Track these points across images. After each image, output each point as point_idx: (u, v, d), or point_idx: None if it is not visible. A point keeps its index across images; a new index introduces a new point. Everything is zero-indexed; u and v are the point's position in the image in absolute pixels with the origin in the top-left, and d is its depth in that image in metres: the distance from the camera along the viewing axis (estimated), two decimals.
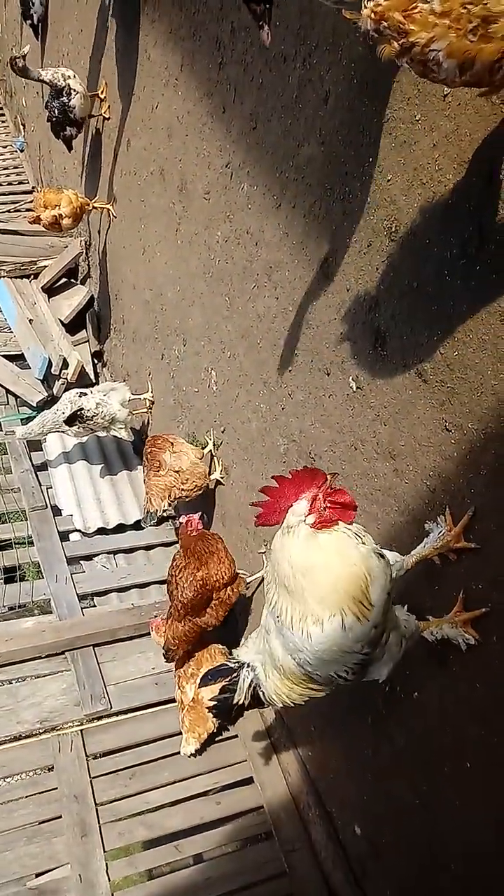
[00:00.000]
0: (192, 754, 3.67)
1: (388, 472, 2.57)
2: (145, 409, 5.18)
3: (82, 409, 4.70)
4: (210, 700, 2.45)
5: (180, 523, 3.57)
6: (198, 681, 3.51)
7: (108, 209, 5.29)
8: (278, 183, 3.04)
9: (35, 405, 5.59)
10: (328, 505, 1.89)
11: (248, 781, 3.67)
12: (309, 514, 1.88)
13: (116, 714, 3.83)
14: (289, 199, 2.97)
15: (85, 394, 4.78)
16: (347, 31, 2.42)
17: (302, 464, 3.19)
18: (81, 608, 4.27)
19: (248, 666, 2.30)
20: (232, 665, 2.35)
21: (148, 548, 4.90)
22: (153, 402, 5.14)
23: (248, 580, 3.73)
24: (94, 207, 5.29)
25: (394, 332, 2.42)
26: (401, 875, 2.98)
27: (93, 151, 5.66)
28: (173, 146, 4.11)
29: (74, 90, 4.75)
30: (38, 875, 3.29)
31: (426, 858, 2.73)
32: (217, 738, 3.79)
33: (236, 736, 3.86)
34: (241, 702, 2.32)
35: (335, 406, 2.86)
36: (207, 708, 2.56)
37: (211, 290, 3.91)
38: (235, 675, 2.33)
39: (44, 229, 5.30)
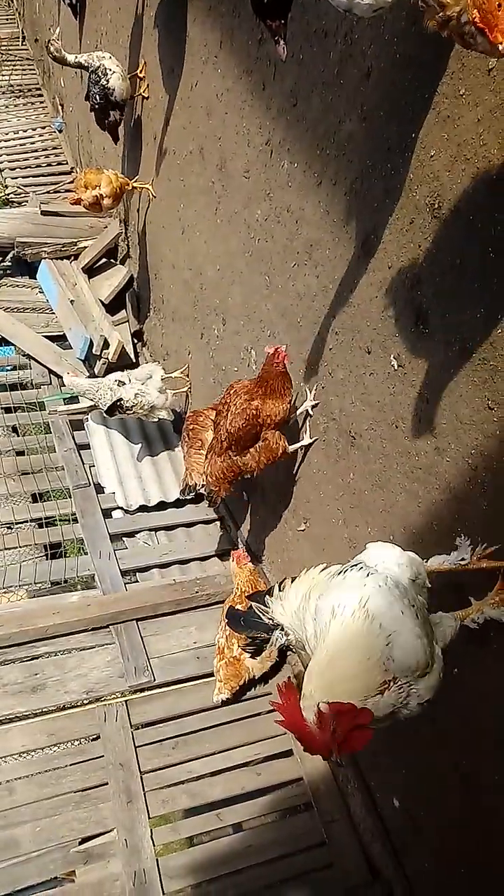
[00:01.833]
0: (223, 702, 3.87)
1: (430, 450, 2.58)
2: (185, 387, 5.24)
3: (121, 399, 4.82)
4: (244, 644, 2.45)
5: (268, 353, 3.33)
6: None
7: (148, 188, 5.31)
8: (319, 160, 3.03)
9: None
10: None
11: (289, 753, 3.74)
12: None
13: (159, 686, 3.93)
14: (330, 177, 2.96)
15: (123, 382, 4.86)
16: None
17: (342, 443, 3.20)
18: (124, 583, 4.37)
19: (282, 629, 2.24)
20: (266, 621, 2.28)
21: (188, 525, 4.97)
22: (189, 383, 5.20)
23: (299, 411, 3.55)
24: (133, 187, 5.31)
25: (436, 310, 2.41)
26: (440, 850, 3.02)
27: (132, 131, 5.68)
28: (212, 124, 4.10)
29: (111, 69, 4.75)
30: (85, 840, 3.42)
31: (467, 835, 2.77)
32: (249, 696, 3.97)
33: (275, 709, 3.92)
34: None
35: (376, 384, 2.86)
36: (241, 647, 2.54)
37: (251, 269, 3.91)
38: (268, 633, 2.28)
39: (84, 210, 5.35)
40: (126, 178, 5.25)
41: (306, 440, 3.49)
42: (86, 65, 4.78)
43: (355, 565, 2.10)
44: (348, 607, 1.94)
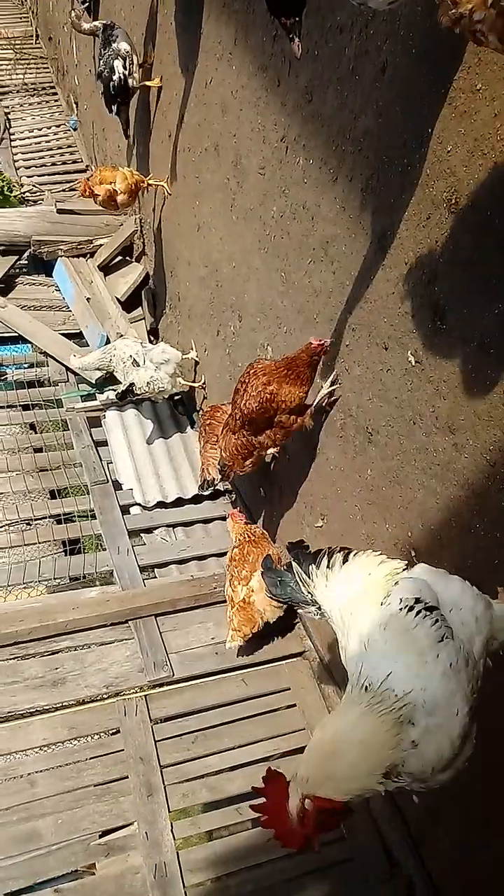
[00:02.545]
0: (237, 648, 3.97)
1: (448, 447, 2.58)
2: (199, 385, 5.30)
3: (133, 385, 4.91)
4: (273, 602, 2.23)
5: (312, 342, 3.21)
6: (265, 589, 2.91)
7: (164, 186, 5.32)
8: (335, 156, 3.03)
9: (94, 382, 5.72)
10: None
11: None
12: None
13: (178, 681, 3.95)
14: (345, 173, 2.96)
15: (138, 364, 4.91)
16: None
17: (359, 439, 3.21)
18: (143, 579, 4.40)
19: (319, 608, 2.05)
20: (304, 595, 2.08)
21: (206, 521, 5.00)
22: (204, 382, 5.23)
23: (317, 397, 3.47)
24: (149, 185, 5.33)
25: (453, 306, 2.40)
26: (461, 842, 3.03)
27: (146, 129, 5.69)
28: (227, 121, 4.11)
29: (116, 35, 4.82)
30: (106, 832, 3.45)
31: (489, 826, 2.77)
32: (268, 691, 4.01)
33: (295, 705, 3.95)
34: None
35: (393, 381, 2.86)
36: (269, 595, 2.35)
37: (266, 266, 3.92)
38: (304, 605, 2.09)
39: (100, 208, 5.38)
40: (141, 176, 5.27)
41: (326, 389, 3.35)
42: (94, 30, 4.94)
43: (428, 610, 1.70)
44: (396, 689, 1.62)
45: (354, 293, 3.05)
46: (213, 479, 4.16)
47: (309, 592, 2.00)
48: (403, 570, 1.90)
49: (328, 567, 2.00)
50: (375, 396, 3.02)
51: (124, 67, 4.81)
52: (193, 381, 5.37)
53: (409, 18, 2.39)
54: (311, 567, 2.03)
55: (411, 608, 1.71)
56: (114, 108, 5.04)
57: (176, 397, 5.61)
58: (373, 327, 2.93)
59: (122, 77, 4.82)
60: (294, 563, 2.05)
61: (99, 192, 5.02)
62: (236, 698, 3.92)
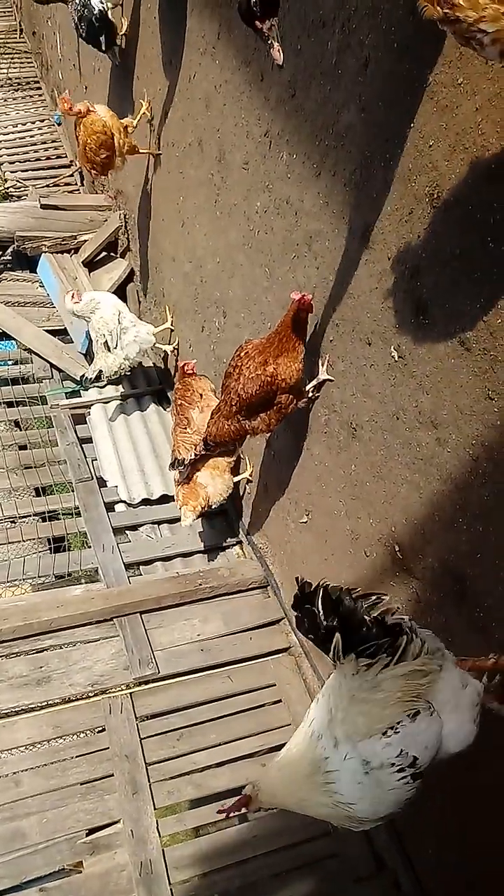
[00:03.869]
0: (190, 524, 4.22)
1: (431, 441, 2.58)
2: (171, 349, 5.42)
3: (101, 371, 5.06)
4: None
5: (293, 298, 3.01)
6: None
7: (151, 153, 5.12)
8: (318, 151, 3.02)
9: (78, 379, 5.69)
10: None
11: None
12: None
13: (164, 678, 3.94)
14: (329, 167, 2.96)
15: (109, 349, 5.00)
16: None
17: (343, 434, 3.21)
18: (128, 577, 4.38)
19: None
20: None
21: None
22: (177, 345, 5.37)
23: (308, 387, 3.38)
24: (138, 151, 5.04)
25: (436, 301, 2.41)
26: (445, 839, 3.04)
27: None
28: (211, 116, 4.09)
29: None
30: (92, 830, 3.44)
31: (473, 823, 2.79)
32: (253, 687, 4.01)
33: (280, 700, 3.95)
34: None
35: (376, 376, 2.86)
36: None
37: (251, 261, 3.91)
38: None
39: (83, 204, 5.25)
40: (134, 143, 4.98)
41: (322, 376, 3.27)
42: None
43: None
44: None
45: (338, 289, 3.05)
46: (184, 458, 4.17)
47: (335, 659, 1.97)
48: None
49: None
50: (359, 392, 3.01)
51: (100, 1, 4.78)
52: (167, 344, 5.43)
53: (391, 13, 2.39)
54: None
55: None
56: (102, 42, 4.93)
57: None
58: (356, 322, 2.93)
59: (101, 9, 4.77)
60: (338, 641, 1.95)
61: (80, 108, 4.68)
62: (222, 695, 3.91)
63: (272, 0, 2.06)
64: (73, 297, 5.05)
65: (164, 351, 5.50)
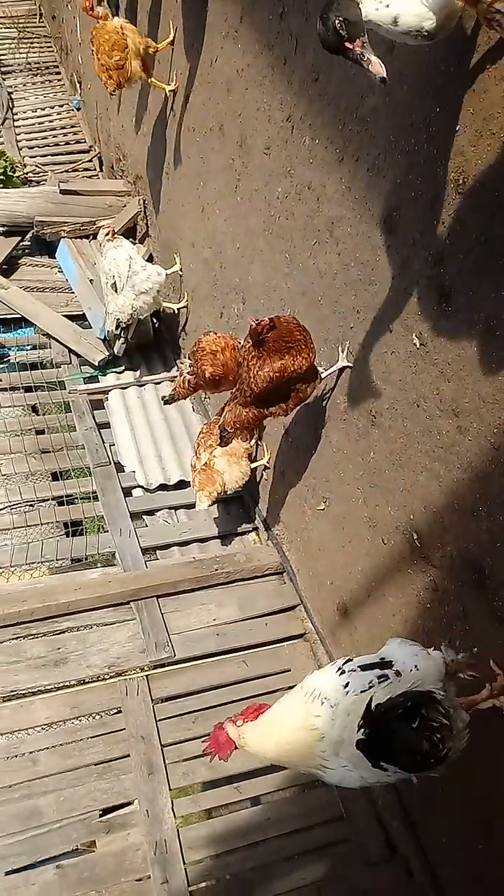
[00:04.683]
0: (205, 509, 4.28)
1: (451, 429, 2.57)
2: (183, 304, 5.51)
3: (119, 319, 5.21)
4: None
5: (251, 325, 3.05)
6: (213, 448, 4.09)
7: (166, 86, 4.95)
8: (341, 136, 3.00)
9: (97, 364, 5.71)
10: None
11: None
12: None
13: (179, 662, 3.97)
14: (352, 153, 2.94)
15: (117, 290, 5.07)
16: None
17: (362, 422, 3.20)
18: (145, 561, 4.41)
19: None
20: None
21: None
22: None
23: (325, 374, 3.40)
24: (153, 83, 4.93)
25: (459, 288, 2.39)
26: (458, 826, 3.05)
27: (150, 108, 5.64)
28: (232, 101, 4.07)
29: None
30: (107, 810, 3.49)
31: (485, 811, 2.79)
32: (266, 673, 3.95)
33: (295, 686, 3.96)
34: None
35: (397, 363, 2.85)
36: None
37: (271, 247, 3.90)
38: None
39: (105, 189, 5.24)
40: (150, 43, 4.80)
41: (342, 363, 3.25)
42: None
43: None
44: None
45: (359, 275, 3.03)
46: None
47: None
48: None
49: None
50: (379, 379, 3.01)
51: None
52: (179, 302, 5.50)
53: None
54: None
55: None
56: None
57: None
58: (377, 309, 2.92)
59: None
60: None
61: (101, 10, 4.59)
62: (237, 679, 3.94)
63: (354, 20, 1.78)
64: (107, 233, 5.18)
65: (173, 310, 5.63)
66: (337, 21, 1.75)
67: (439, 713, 2.03)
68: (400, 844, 3.46)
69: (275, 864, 3.42)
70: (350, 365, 3.21)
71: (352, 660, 2.38)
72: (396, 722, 2.01)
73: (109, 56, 4.61)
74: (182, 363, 4.39)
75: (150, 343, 5.93)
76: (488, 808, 2.79)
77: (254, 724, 2.50)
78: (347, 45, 1.77)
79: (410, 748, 2.00)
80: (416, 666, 2.24)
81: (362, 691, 2.22)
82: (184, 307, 5.53)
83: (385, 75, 1.78)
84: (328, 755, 2.29)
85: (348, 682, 2.28)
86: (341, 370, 3.28)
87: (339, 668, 2.35)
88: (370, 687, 2.22)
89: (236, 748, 2.51)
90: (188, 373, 4.17)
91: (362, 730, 2.09)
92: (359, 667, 2.32)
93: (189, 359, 4.17)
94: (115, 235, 5.20)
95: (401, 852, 3.45)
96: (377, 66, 1.77)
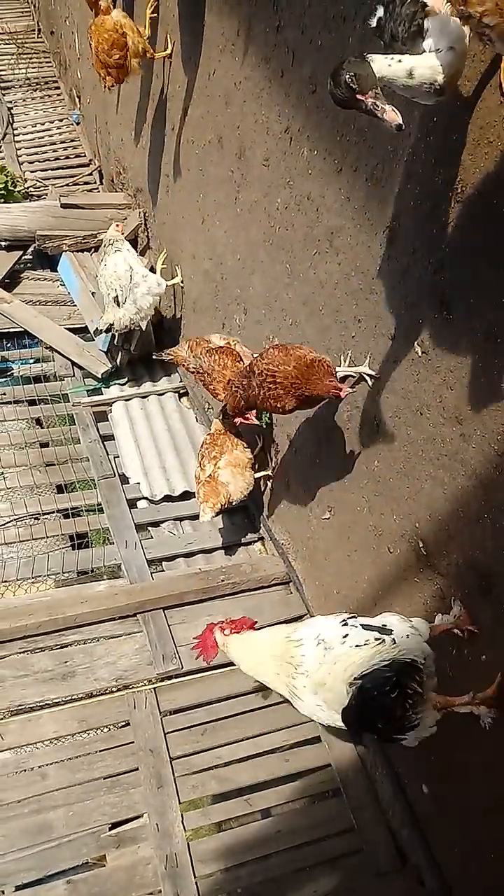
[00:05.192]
0: (209, 521, 4.30)
1: (455, 437, 2.57)
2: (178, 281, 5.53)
3: (112, 324, 5.21)
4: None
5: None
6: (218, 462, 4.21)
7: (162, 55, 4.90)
8: (339, 146, 3.02)
9: (100, 376, 5.72)
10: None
11: (316, 740, 3.77)
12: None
13: (187, 674, 3.96)
14: (350, 163, 2.95)
15: (119, 304, 5.11)
16: None
17: (366, 431, 3.20)
18: (151, 573, 4.41)
19: None
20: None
21: None
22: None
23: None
24: (153, 55, 4.88)
25: (460, 296, 2.40)
26: (469, 836, 3.03)
27: (150, 121, 5.68)
28: (231, 113, 4.09)
29: None
30: (117, 824, 3.47)
31: (497, 821, 2.78)
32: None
33: None
34: None
35: (399, 372, 2.85)
36: None
37: (271, 258, 3.91)
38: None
39: (105, 203, 5.28)
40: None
41: (364, 369, 3.14)
42: None
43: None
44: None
45: (360, 284, 3.04)
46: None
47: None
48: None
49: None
50: (382, 387, 3.01)
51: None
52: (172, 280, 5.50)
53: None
54: None
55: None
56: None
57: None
58: (379, 318, 2.93)
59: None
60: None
61: (103, 3, 4.54)
62: (245, 690, 3.92)
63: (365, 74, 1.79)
64: (118, 225, 5.34)
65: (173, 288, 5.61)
66: (347, 76, 1.79)
67: (415, 681, 2.31)
68: (411, 854, 3.43)
69: (286, 877, 3.40)
70: (372, 372, 3.08)
71: (356, 617, 2.62)
72: (380, 697, 2.28)
73: (109, 55, 4.63)
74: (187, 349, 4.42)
75: (152, 354, 5.94)
76: (499, 817, 2.77)
77: (240, 637, 3.00)
78: (359, 97, 1.79)
79: (387, 715, 2.31)
80: (407, 636, 2.47)
81: (356, 646, 2.46)
82: (179, 283, 5.55)
83: (401, 122, 1.79)
84: (307, 692, 2.60)
85: (347, 634, 2.52)
86: (359, 379, 3.19)
87: (344, 621, 2.59)
88: (365, 644, 2.45)
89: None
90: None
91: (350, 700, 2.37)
92: (361, 625, 2.55)
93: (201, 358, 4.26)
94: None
95: (412, 862, 3.43)
96: (391, 114, 1.78)
